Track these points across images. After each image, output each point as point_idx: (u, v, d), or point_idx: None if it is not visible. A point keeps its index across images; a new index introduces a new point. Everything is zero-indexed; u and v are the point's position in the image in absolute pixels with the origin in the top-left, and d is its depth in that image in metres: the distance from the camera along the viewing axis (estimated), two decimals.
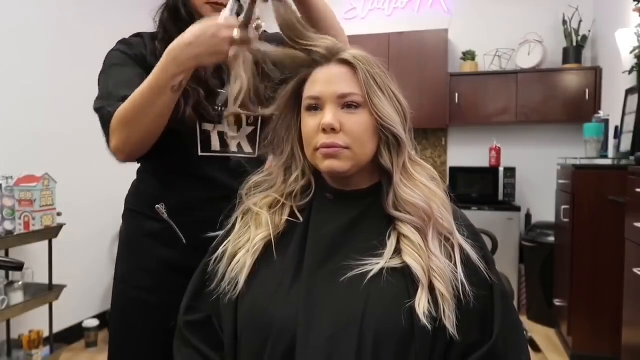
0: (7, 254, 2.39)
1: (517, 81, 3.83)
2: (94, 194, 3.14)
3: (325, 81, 0.81)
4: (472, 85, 3.94)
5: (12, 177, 2.41)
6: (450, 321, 0.73)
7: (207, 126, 1.07)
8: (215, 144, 1.08)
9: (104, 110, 0.97)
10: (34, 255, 2.64)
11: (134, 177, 1.17)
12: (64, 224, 2.57)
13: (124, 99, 0.94)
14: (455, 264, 0.77)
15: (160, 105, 0.92)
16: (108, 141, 0.97)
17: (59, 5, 2.88)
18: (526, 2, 3.97)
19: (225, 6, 0.93)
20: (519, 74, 3.83)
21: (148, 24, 1.11)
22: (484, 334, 0.77)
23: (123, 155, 0.98)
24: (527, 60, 3.86)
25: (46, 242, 2.55)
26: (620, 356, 2.24)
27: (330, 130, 0.78)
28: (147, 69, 0.97)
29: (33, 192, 2.38)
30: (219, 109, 1.06)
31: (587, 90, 3.66)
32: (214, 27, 0.88)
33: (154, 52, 1.05)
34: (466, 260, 0.78)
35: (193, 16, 1.03)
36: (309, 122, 0.82)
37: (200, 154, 1.06)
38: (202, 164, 1.07)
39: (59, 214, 2.55)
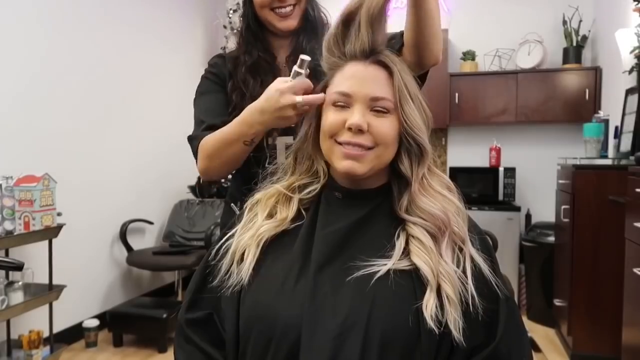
0: (7, 254, 2.39)
1: (517, 81, 3.83)
2: (94, 193, 3.13)
3: (359, 80, 0.80)
4: (472, 85, 3.94)
5: (12, 177, 2.41)
6: (456, 325, 0.72)
7: (271, 140, 1.18)
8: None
9: (194, 142, 1.14)
10: (34, 255, 2.64)
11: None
12: (64, 224, 2.57)
13: (207, 127, 1.14)
14: (465, 273, 0.76)
15: (234, 152, 1.05)
16: (197, 164, 1.15)
17: (57, 4, 2.87)
18: (526, 2, 3.97)
19: (284, 8, 1.12)
20: (519, 74, 3.83)
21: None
22: (487, 337, 0.76)
23: (206, 177, 1.16)
24: (527, 60, 3.86)
25: (46, 242, 2.54)
26: (620, 356, 2.24)
27: (357, 130, 0.78)
28: (226, 90, 1.18)
29: (33, 192, 2.37)
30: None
31: (587, 90, 3.66)
32: (277, 92, 0.91)
33: (229, 74, 1.20)
34: (477, 272, 0.77)
35: (263, 24, 1.18)
36: (333, 116, 0.80)
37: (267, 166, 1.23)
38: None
39: (59, 214, 2.55)
